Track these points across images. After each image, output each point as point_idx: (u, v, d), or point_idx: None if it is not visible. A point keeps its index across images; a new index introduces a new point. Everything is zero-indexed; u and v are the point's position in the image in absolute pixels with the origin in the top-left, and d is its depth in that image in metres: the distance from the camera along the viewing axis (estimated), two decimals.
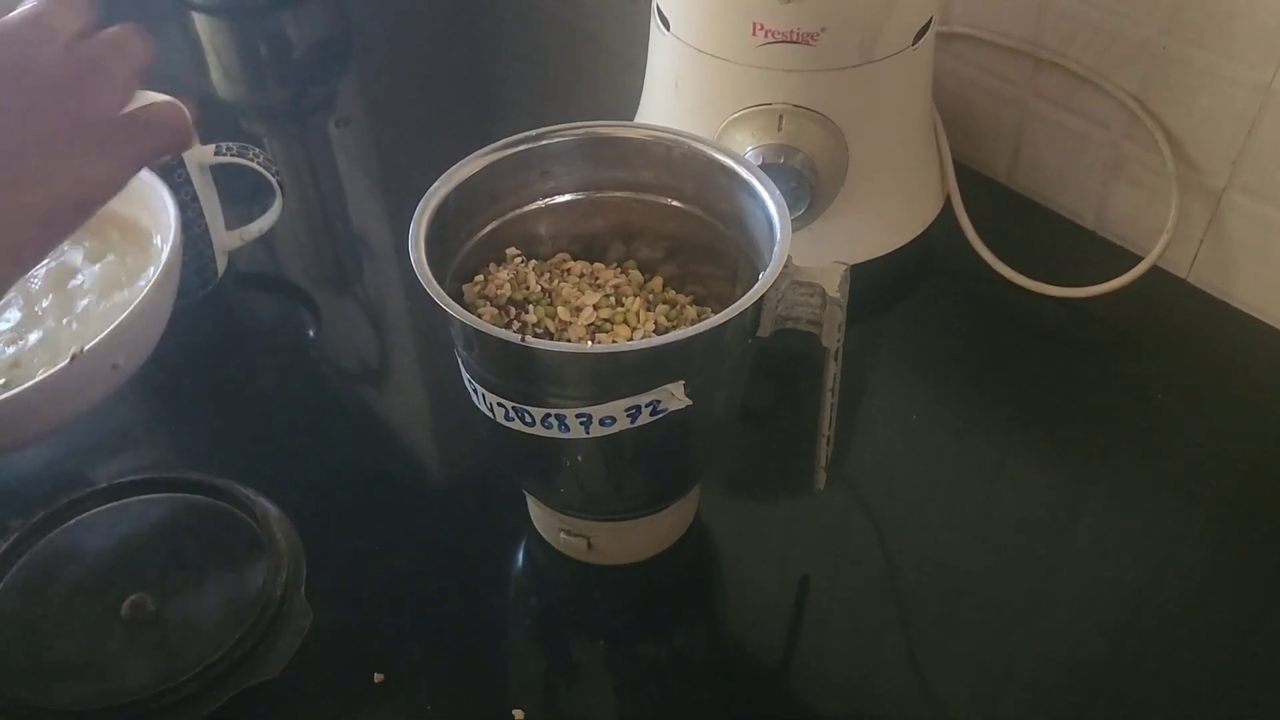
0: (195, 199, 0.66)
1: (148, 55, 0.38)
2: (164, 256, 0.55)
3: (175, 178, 0.63)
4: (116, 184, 0.37)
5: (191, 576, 0.52)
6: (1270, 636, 0.50)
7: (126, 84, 0.37)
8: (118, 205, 0.59)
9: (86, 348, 0.51)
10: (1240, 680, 0.48)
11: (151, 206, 0.60)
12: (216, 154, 0.66)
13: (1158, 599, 0.52)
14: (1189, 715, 0.48)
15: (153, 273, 0.55)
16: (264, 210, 0.69)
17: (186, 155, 0.64)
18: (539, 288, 0.49)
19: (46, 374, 0.49)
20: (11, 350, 0.56)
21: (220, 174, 0.68)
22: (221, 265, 0.70)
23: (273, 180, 0.67)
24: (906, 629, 0.51)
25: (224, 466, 0.57)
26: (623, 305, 0.49)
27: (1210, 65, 0.62)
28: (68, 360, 0.50)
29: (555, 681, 0.50)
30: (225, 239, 0.70)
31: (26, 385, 0.48)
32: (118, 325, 0.52)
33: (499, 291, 0.48)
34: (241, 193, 0.71)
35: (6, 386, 0.52)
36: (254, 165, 0.66)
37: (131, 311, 0.52)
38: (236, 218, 0.70)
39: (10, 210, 0.33)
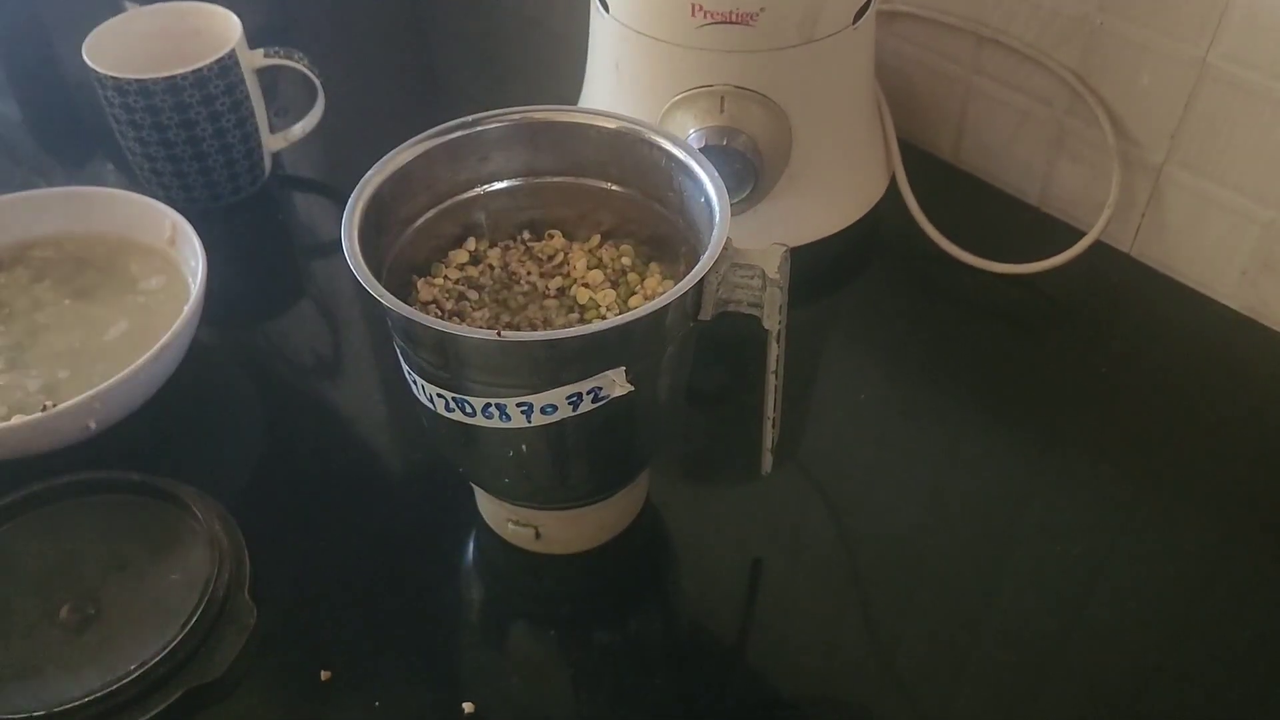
0: (248, 98, 0.72)
1: None
2: (174, 325, 0.57)
3: (231, 77, 0.69)
4: None
5: (131, 578, 0.51)
6: (1222, 607, 0.51)
7: None
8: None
9: (62, 406, 0.52)
10: (1192, 652, 0.49)
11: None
12: (266, 56, 0.72)
13: (1109, 572, 0.52)
14: (1143, 687, 0.48)
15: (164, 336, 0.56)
16: None
17: (241, 57, 0.70)
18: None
19: (16, 421, 0.52)
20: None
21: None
22: (268, 165, 0.77)
23: (315, 80, 0.73)
24: (861, 609, 0.51)
25: (164, 464, 0.56)
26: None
27: (1147, 40, 0.62)
28: (39, 413, 0.52)
29: (506, 673, 0.49)
30: (270, 140, 0.76)
31: None
32: (99, 390, 0.53)
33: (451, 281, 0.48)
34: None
35: None
36: (300, 67, 0.73)
37: (120, 377, 0.53)
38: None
39: None
